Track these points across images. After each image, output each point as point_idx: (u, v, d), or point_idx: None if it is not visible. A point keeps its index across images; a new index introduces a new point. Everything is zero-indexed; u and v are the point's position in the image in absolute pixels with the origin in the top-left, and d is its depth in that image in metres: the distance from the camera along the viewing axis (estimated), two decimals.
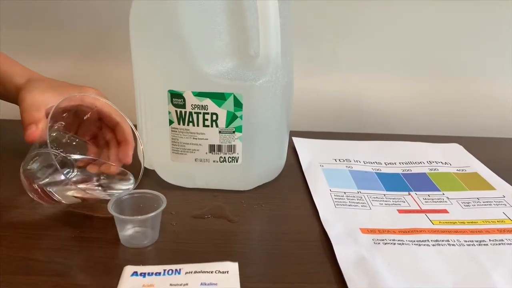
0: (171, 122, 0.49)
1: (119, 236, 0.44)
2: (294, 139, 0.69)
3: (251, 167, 0.52)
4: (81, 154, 0.51)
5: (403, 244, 0.46)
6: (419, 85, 0.78)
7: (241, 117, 0.49)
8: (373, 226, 0.48)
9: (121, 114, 0.49)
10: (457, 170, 0.63)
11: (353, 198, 0.54)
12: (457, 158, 0.66)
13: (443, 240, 0.46)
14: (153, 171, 0.55)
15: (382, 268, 0.41)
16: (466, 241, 0.46)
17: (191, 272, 0.40)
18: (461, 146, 0.70)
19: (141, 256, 0.42)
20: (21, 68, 0.54)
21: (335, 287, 0.39)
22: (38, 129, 0.45)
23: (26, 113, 0.46)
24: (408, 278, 0.40)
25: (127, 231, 0.44)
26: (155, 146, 0.53)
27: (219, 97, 0.48)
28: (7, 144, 0.64)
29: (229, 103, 0.48)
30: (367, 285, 0.39)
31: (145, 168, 0.56)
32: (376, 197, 0.54)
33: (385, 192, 0.56)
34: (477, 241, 0.47)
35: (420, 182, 0.59)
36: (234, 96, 0.48)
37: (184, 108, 0.48)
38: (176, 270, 0.40)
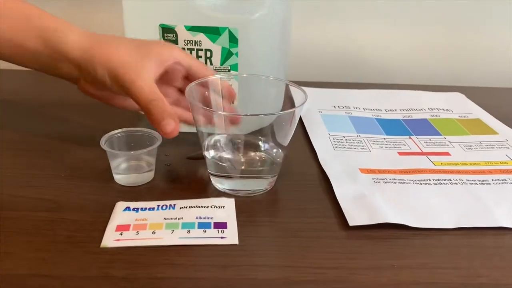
0: None
1: (113, 175, 0.42)
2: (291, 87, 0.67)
3: (247, 109, 0.50)
4: None
5: (404, 183, 0.44)
6: (420, 34, 0.76)
7: (236, 54, 0.47)
8: (372, 166, 0.47)
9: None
10: (459, 116, 0.61)
11: (352, 141, 0.53)
12: (459, 106, 0.65)
13: (445, 180, 0.45)
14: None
15: (382, 203, 0.40)
16: (468, 180, 0.45)
17: (186, 207, 0.39)
18: (463, 95, 0.69)
19: (134, 194, 0.41)
20: (62, 22, 0.42)
21: (334, 221, 0.38)
22: (177, 122, 0.39)
23: (155, 106, 0.39)
24: (409, 214, 0.39)
25: (121, 168, 0.42)
26: None
27: (213, 32, 0.45)
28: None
29: (224, 38, 0.46)
30: (367, 218, 0.38)
31: (139, 114, 0.54)
32: (376, 141, 0.53)
33: (385, 136, 0.54)
34: (479, 180, 0.45)
35: (421, 127, 0.58)
36: (229, 31, 0.45)
37: (177, 43, 0.46)
38: (170, 205, 0.39)
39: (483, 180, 0.45)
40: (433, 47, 0.77)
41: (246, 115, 0.40)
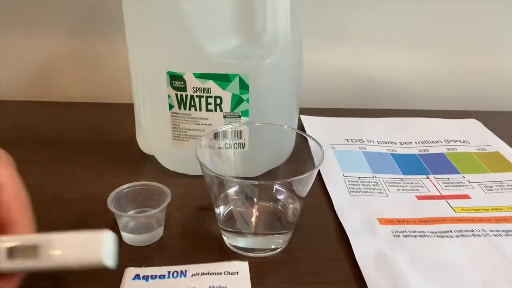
0: (171, 106, 0.45)
1: (121, 234, 0.40)
2: (302, 117, 0.65)
3: (259, 153, 0.48)
4: None
5: (424, 236, 0.42)
6: (433, 58, 0.73)
7: (247, 100, 0.45)
8: (391, 215, 0.45)
9: (27, 208, 0.30)
10: (476, 149, 0.59)
11: (368, 183, 0.50)
12: (476, 136, 0.62)
13: (467, 230, 0.43)
14: (153, 157, 0.51)
15: (404, 265, 0.38)
16: (491, 231, 0.43)
17: (198, 274, 0.37)
18: (479, 122, 0.66)
19: (144, 255, 0.39)
20: None
21: None
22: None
23: None
24: (433, 277, 0.37)
25: (129, 227, 0.41)
26: (155, 131, 0.49)
27: (223, 79, 0.43)
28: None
29: (234, 85, 0.43)
30: (390, 285, 0.36)
31: (144, 154, 0.52)
32: (393, 182, 0.51)
33: (402, 176, 0.52)
34: (503, 230, 0.43)
35: (438, 163, 0.55)
36: (240, 77, 0.43)
37: (185, 91, 0.44)
38: (181, 271, 0.37)
39: (507, 231, 0.43)
40: (448, 71, 0.74)
41: (259, 183, 0.38)
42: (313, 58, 0.69)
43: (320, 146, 0.40)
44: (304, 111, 0.65)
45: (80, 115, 0.64)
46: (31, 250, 0.27)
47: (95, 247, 0.27)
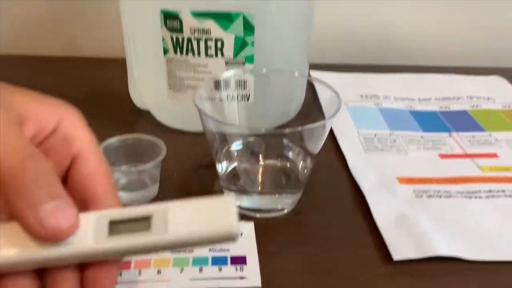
0: (165, 51, 0.40)
1: None
2: (312, 73, 0.59)
3: (265, 106, 0.43)
4: None
5: (450, 196, 0.38)
6: (453, 9, 0.67)
7: (252, 44, 0.39)
8: (412, 174, 0.41)
9: (112, 180, 0.23)
10: (502, 106, 0.54)
11: (385, 140, 0.46)
12: (501, 93, 0.57)
13: (497, 191, 0.39)
14: (148, 112, 0.47)
15: (428, 227, 0.34)
16: None
17: None
18: (504, 79, 0.61)
19: None
20: None
21: (374, 253, 0.32)
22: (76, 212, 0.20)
23: (31, 170, 0.19)
24: (461, 240, 0.33)
25: (121, 184, 0.36)
26: (148, 81, 0.44)
27: (224, 18, 0.38)
28: None
29: (238, 25, 0.38)
30: (413, 250, 0.32)
31: (138, 108, 0.48)
32: (412, 140, 0.46)
33: (422, 134, 0.47)
34: None
35: (461, 121, 0.50)
36: (244, 17, 0.38)
37: (181, 33, 0.39)
38: None
39: None
40: (468, 23, 0.68)
41: (267, 133, 0.33)
42: (325, 10, 0.62)
43: (337, 94, 0.35)
44: (314, 66, 0.59)
45: (69, 70, 0.59)
46: (139, 223, 0.20)
47: (224, 215, 0.20)
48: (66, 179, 0.22)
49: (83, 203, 0.21)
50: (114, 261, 0.21)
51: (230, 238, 0.20)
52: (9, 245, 0.19)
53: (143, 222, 0.20)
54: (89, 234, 0.20)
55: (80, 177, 0.22)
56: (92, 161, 0.22)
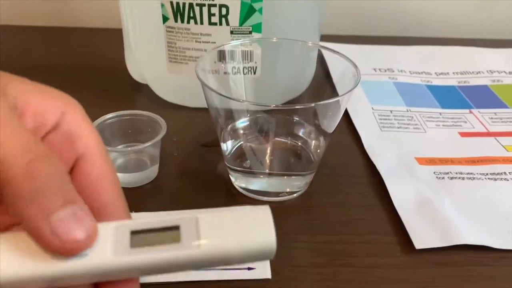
0: (165, 19, 0.37)
1: None
2: (322, 44, 0.56)
3: (273, 80, 0.40)
4: None
5: (473, 178, 0.35)
6: None
7: (260, 10, 0.36)
8: (431, 154, 0.38)
9: (119, 185, 0.20)
10: None
11: (402, 118, 0.43)
12: None
13: None
14: (146, 86, 0.43)
15: (452, 212, 0.31)
16: None
17: None
18: None
19: (135, 199, 0.32)
20: None
21: (393, 240, 0.29)
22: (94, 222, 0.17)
23: (38, 173, 0.16)
24: (487, 225, 0.30)
25: (117, 165, 0.33)
26: (147, 53, 0.40)
27: None
28: None
29: None
30: (437, 239, 0.29)
31: (136, 82, 0.44)
32: (431, 117, 0.43)
33: (440, 110, 0.44)
34: None
35: (482, 96, 0.47)
36: None
37: None
38: None
39: None
40: None
41: (278, 108, 0.29)
42: None
43: (355, 66, 0.32)
44: (325, 38, 0.55)
45: (63, 40, 0.56)
46: (166, 234, 0.17)
47: (261, 228, 0.17)
48: None
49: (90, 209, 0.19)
50: (134, 280, 0.18)
51: (268, 255, 0.17)
52: (15, 259, 0.16)
53: (171, 233, 0.17)
54: (108, 245, 0.17)
55: (84, 182, 0.19)
56: (98, 164, 0.19)
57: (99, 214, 0.18)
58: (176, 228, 0.17)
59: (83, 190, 0.18)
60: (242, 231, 0.17)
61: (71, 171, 0.19)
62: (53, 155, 0.17)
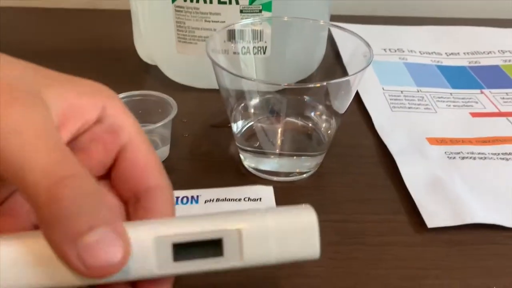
0: None
1: None
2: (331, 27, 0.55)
3: (283, 60, 0.40)
4: None
5: (485, 158, 0.35)
6: None
7: None
8: (442, 135, 0.38)
9: (164, 172, 0.20)
10: None
11: (413, 98, 0.42)
12: None
13: None
14: (155, 68, 0.43)
15: (464, 192, 0.31)
16: None
17: (212, 200, 0.30)
18: None
19: None
20: None
21: (404, 219, 0.30)
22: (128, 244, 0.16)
23: (71, 191, 0.15)
24: (500, 206, 0.30)
25: None
26: (156, 33, 0.40)
27: None
28: None
29: None
30: (450, 217, 0.29)
31: (145, 63, 0.44)
32: (441, 97, 0.43)
33: (451, 91, 0.44)
34: None
35: (493, 77, 0.47)
36: None
37: None
38: (192, 197, 0.31)
39: None
40: None
41: (289, 87, 0.29)
42: None
43: (367, 44, 0.31)
44: (334, 18, 0.55)
45: (71, 22, 0.55)
46: (209, 248, 0.17)
47: (307, 237, 0.17)
48: (111, 171, 0.20)
49: (134, 198, 0.19)
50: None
51: (311, 259, 0.18)
52: (40, 267, 0.16)
53: (213, 246, 0.17)
54: (150, 259, 0.16)
55: (130, 168, 0.19)
56: (142, 150, 0.19)
57: (146, 197, 0.19)
58: (218, 241, 0.17)
59: (129, 176, 0.19)
60: (286, 242, 0.17)
61: (116, 159, 0.19)
62: (83, 172, 0.16)
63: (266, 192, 0.31)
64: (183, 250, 0.17)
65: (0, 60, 0.17)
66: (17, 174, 0.15)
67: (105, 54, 0.47)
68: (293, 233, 0.17)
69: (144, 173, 0.19)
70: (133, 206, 0.19)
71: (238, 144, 0.34)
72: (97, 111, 0.19)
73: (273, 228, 0.17)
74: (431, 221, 0.29)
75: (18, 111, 0.16)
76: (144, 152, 0.19)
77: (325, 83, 0.29)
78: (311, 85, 0.29)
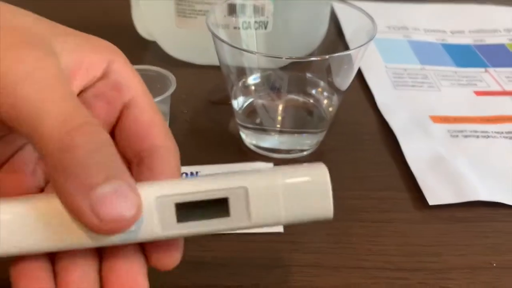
0: None
1: None
2: (334, 3, 0.54)
3: (284, 35, 0.39)
4: None
5: (488, 136, 0.35)
6: None
7: None
8: (446, 113, 0.37)
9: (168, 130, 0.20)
10: None
11: (416, 76, 0.42)
12: None
13: None
14: (154, 43, 0.42)
15: (466, 170, 0.31)
16: None
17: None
18: None
19: None
20: None
21: (406, 196, 0.29)
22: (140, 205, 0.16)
23: (84, 144, 0.15)
24: (504, 186, 0.30)
25: None
26: (155, 7, 0.39)
27: None
28: None
29: None
30: (451, 195, 0.29)
31: (144, 39, 0.44)
32: (446, 75, 0.42)
33: (455, 69, 0.43)
34: None
35: (498, 55, 0.46)
36: None
37: None
38: (191, 173, 0.30)
39: None
40: None
41: (291, 59, 0.29)
42: None
43: (371, 19, 0.31)
44: None
45: None
46: (214, 207, 0.16)
47: (318, 194, 0.16)
48: (114, 130, 0.19)
49: (138, 158, 0.18)
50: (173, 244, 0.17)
51: (323, 221, 0.17)
52: (48, 228, 0.15)
53: (219, 206, 0.16)
54: (153, 220, 0.16)
55: (135, 126, 0.18)
56: (147, 109, 0.19)
57: (150, 157, 0.18)
58: (224, 200, 0.16)
59: (133, 135, 0.18)
60: (296, 200, 0.16)
61: (120, 117, 0.19)
62: (96, 122, 0.16)
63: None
64: (187, 211, 0.16)
65: (14, 10, 0.17)
66: (32, 121, 0.15)
67: (103, 29, 0.46)
68: (303, 190, 0.16)
69: (148, 132, 0.18)
70: (136, 167, 0.18)
71: (238, 121, 0.33)
72: (104, 65, 0.18)
73: (282, 185, 0.16)
74: (432, 199, 0.28)
75: (33, 55, 0.16)
76: (149, 111, 0.19)
77: (327, 57, 0.28)
78: (312, 59, 0.28)
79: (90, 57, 0.18)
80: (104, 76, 0.19)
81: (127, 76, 0.19)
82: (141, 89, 0.19)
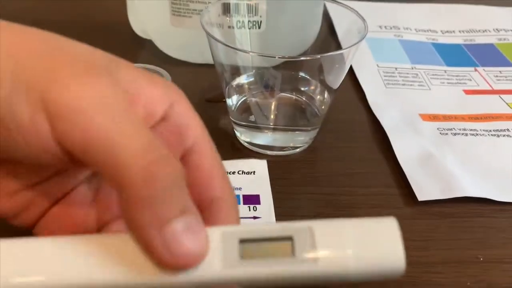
0: None
1: None
2: (327, 4, 0.55)
3: (278, 35, 0.39)
4: None
5: (477, 134, 0.35)
6: None
7: None
8: (435, 111, 0.38)
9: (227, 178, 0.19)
10: None
11: (407, 75, 0.42)
12: None
13: None
14: (149, 42, 0.43)
15: (455, 167, 0.32)
16: None
17: None
18: None
19: None
20: None
21: (395, 192, 0.30)
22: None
23: (164, 179, 0.15)
24: (489, 180, 0.31)
25: None
26: (150, 6, 0.40)
27: None
28: None
29: None
30: (439, 191, 0.30)
31: (138, 37, 0.44)
32: (436, 74, 0.43)
33: (445, 68, 0.44)
34: None
35: (487, 55, 0.47)
36: None
37: None
38: None
39: None
40: None
41: (284, 58, 0.29)
42: None
43: (362, 19, 0.31)
44: None
45: None
46: (278, 245, 0.15)
47: (388, 242, 0.15)
48: None
49: (198, 207, 0.16)
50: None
51: (395, 274, 0.15)
52: (117, 265, 0.15)
53: (283, 244, 0.15)
54: (216, 256, 0.15)
55: (194, 175, 0.18)
56: (208, 157, 0.18)
57: (209, 208, 0.17)
58: (288, 238, 0.15)
59: (193, 183, 0.17)
60: (365, 245, 0.15)
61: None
62: (172, 156, 0.15)
63: (260, 166, 0.31)
64: (251, 248, 0.15)
65: (68, 40, 0.17)
66: (109, 148, 0.14)
67: (98, 28, 0.47)
68: (372, 237, 0.15)
69: (209, 182, 0.18)
70: None
71: (232, 119, 0.34)
72: (165, 106, 0.17)
73: (350, 229, 0.15)
74: (421, 195, 0.29)
75: (100, 83, 0.15)
76: (210, 157, 0.18)
77: (318, 56, 0.29)
78: (305, 58, 0.29)
79: (152, 92, 0.17)
80: (165, 118, 0.18)
81: (189, 120, 0.18)
82: (201, 133, 0.18)
